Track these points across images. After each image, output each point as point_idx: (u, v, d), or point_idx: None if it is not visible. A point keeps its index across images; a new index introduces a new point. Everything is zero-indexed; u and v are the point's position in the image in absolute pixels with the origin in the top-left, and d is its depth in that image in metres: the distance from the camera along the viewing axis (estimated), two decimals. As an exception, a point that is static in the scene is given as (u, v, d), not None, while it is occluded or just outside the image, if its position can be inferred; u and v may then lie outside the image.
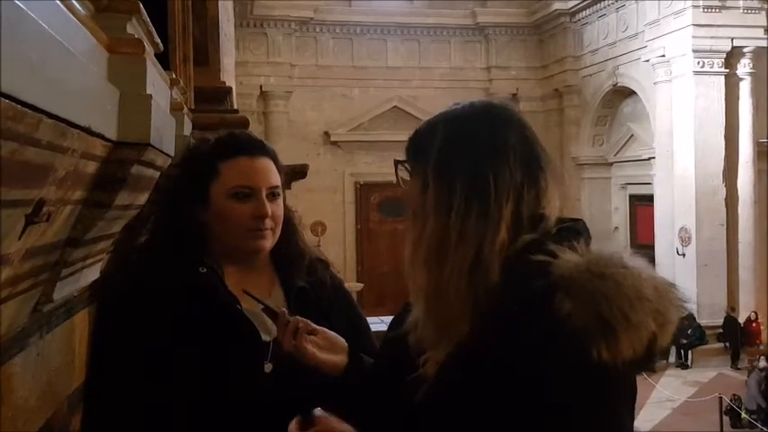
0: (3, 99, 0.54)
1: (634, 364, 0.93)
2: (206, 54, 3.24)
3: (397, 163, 1.14)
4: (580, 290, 0.93)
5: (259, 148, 1.53)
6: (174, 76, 1.87)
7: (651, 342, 0.93)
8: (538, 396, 0.94)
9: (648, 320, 0.93)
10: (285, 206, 1.56)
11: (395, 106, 16.36)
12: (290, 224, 1.57)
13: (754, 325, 13.13)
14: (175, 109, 1.65)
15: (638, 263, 0.98)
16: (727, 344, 13.16)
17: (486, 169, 1.03)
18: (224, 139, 1.54)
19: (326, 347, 1.35)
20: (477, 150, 1.05)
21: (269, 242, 1.49)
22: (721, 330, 13.18)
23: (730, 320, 13.09)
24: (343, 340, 1.38)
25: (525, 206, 1.04)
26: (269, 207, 1.47)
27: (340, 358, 1.35)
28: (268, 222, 1.47)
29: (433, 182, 1.05)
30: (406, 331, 1.11)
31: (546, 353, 0.93)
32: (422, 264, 1.05)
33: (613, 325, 0.91)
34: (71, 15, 0.80)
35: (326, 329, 1.37)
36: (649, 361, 0.95)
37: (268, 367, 1.39)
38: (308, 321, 1.36)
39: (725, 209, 13.28)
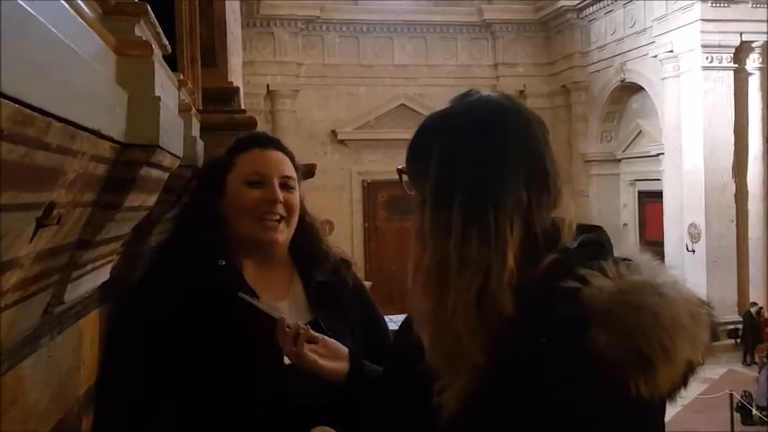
0: (12, 104, 0.54)
1: (671, 393, 0.90)
2: (213, 55, 3.24)
3: (400, 171, 1.09)
4: (616, 323, 0.88)
5: (274, 143, 1.59)
6: (181, 77, 1.87)
7: (687, 368, 0.90)
8: (571, 430, 0.89)
9: (685, 348, 0.89)
10: (308, 213, 1.59)
11: (402, 104, 16.33)
12: (311, 228, 1.60)
13: (761, 320, 13.05)
14: (183, 110, 1.66)
15: (670, 285, 0.93)
16: (738, 340, 13.08)
17: (483, 194, 0.96)
18: (242, 137, 1.62)
19: (327, 356, 1.35)
20: (473, 172, 0.97)
21: (282, 235, 1.50)
22: (738, 327, 13.07)
23: (748, 316, 12.98)
24: (344, 348, 1.38)
25: (538, 223, 0.97)
26: (280, 194, 1.49)
27: (342, 365, 1.35)
28: (279, 208, 1.49)
29: (430, 204, 1.00)
30: (413, 344, 1.04)
31: (581, 388, 0.88)
32: (422, 291, 0.99)
33: (652, 359, 0.87)
34: (78, 18, 0.81)
35: (327, 337, 1.37)
36: (685, 386, 0.92)
37: (287, 360, 1.39)
38: (308, 328, 1.35)
39: (734, 204, 13.20)
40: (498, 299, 0.94)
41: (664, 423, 0.99)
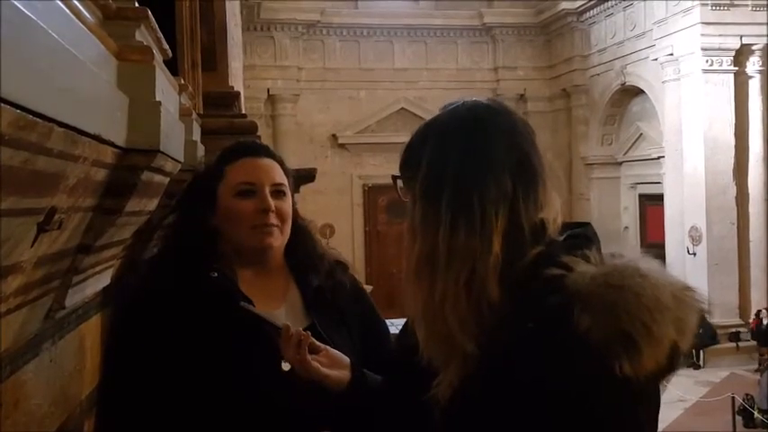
0: (14, 109, 0.54)
1: (657, 374, 0.91)
2: (214, 59, 3.24)
3: (394, 178, 1.12)
4: (598, 304, 0.90)
5: (263, 151, 1.57)
6: (182, 81, 1.88)
7: (673, 351, 0.91)
8: (561, 414, 0.91)
9: (670, 330, 0.90)
10: (300, 216, 1.58)
11: (402, 108, 16.35)
12: (305, 231, 1.59)
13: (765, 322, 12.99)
14: (184, 114, 1.66)
15: (653, 269, 0.95)
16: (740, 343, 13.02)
17: (469, 184, 1.00)
18: (230, 146, 1.59)
19: (329, 365, 1.35)
20: (460, 165, 1.01)
21: (276, 240, 1.50)
22: (739, 330, 13.00)
23: (760, 326, 12.89)
24: (346, 358, 1.38)
25: (524, 216, 1.01)
26: (272, 202, 1.48)
27: (344, 374, 1.35)
28: (272, 217, 1.48)
29: (420, 199, 1.04)
30: (413, 347, 1.06)
31: (567, 370, 0.90)
32: (413, 283, 1.03)
33: (635, 338, 0.89)
34: (80, 23, 0.81)
35: (329, 347, 1.37)
36: (672, 369, 0.93)
37: (285, 366, 1.39)
38: (309, 335, 1.35)
39: (735, 207, 13.19)
40: (485, 286, 0.97)
41: (657, 406, 0.99)
